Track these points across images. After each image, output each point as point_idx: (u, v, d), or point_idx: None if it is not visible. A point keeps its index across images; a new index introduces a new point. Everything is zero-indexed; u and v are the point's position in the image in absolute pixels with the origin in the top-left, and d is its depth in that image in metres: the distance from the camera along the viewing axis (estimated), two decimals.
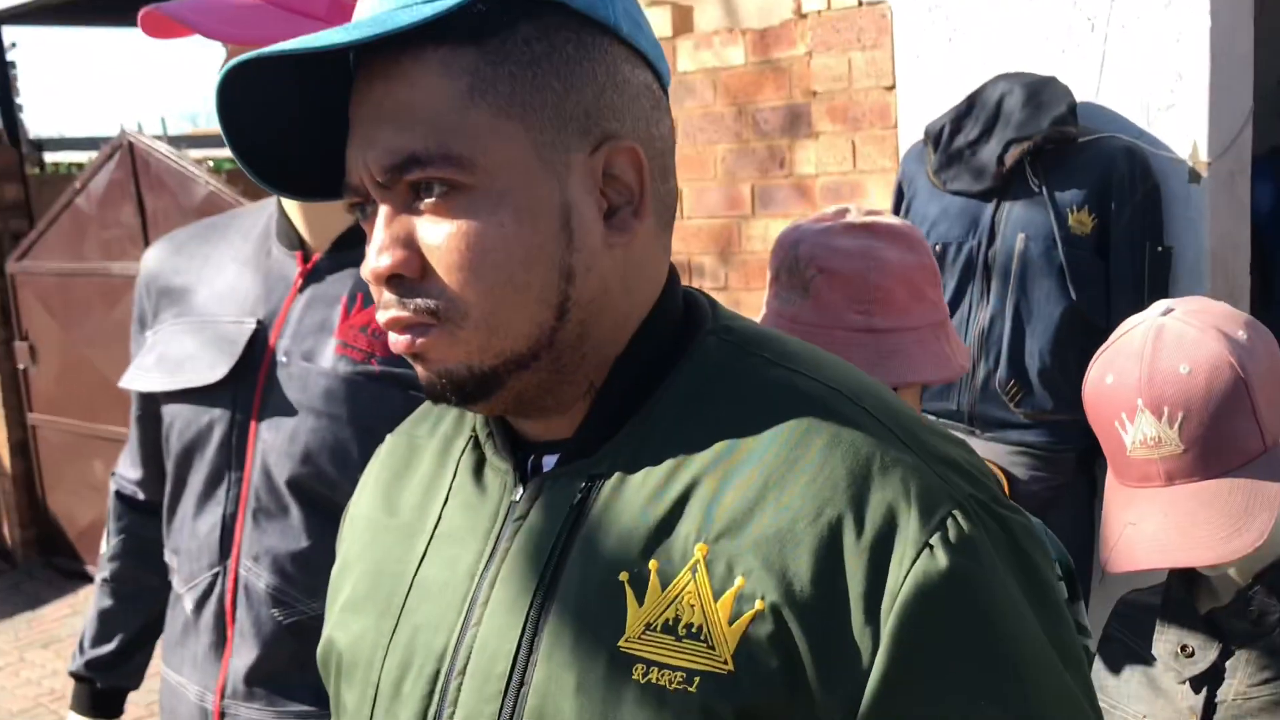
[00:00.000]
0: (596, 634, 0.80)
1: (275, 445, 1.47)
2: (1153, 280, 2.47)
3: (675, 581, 0.79)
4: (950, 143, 2.58)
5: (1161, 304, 1.35)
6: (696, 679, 0.77)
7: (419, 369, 0.86)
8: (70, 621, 6.24)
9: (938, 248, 2.58)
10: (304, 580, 1.46)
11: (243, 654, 1.50)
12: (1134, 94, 2.56)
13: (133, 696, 1.89)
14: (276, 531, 1.47)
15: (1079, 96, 2.59)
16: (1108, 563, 1.27)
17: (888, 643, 0.75)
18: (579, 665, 0.80)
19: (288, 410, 1.47)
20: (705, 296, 0.94)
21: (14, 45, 7.60)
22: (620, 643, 0.79)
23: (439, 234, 0.81)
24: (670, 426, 0.85)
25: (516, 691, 0.82)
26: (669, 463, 0.83)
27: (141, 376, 1.59)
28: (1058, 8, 2.64)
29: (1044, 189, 2.47)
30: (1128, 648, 1.38)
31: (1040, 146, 2.46)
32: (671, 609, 0.79)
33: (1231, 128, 2.51)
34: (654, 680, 0.78)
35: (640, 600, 0.80)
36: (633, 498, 0.83)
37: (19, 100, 7.81)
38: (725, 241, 3.33)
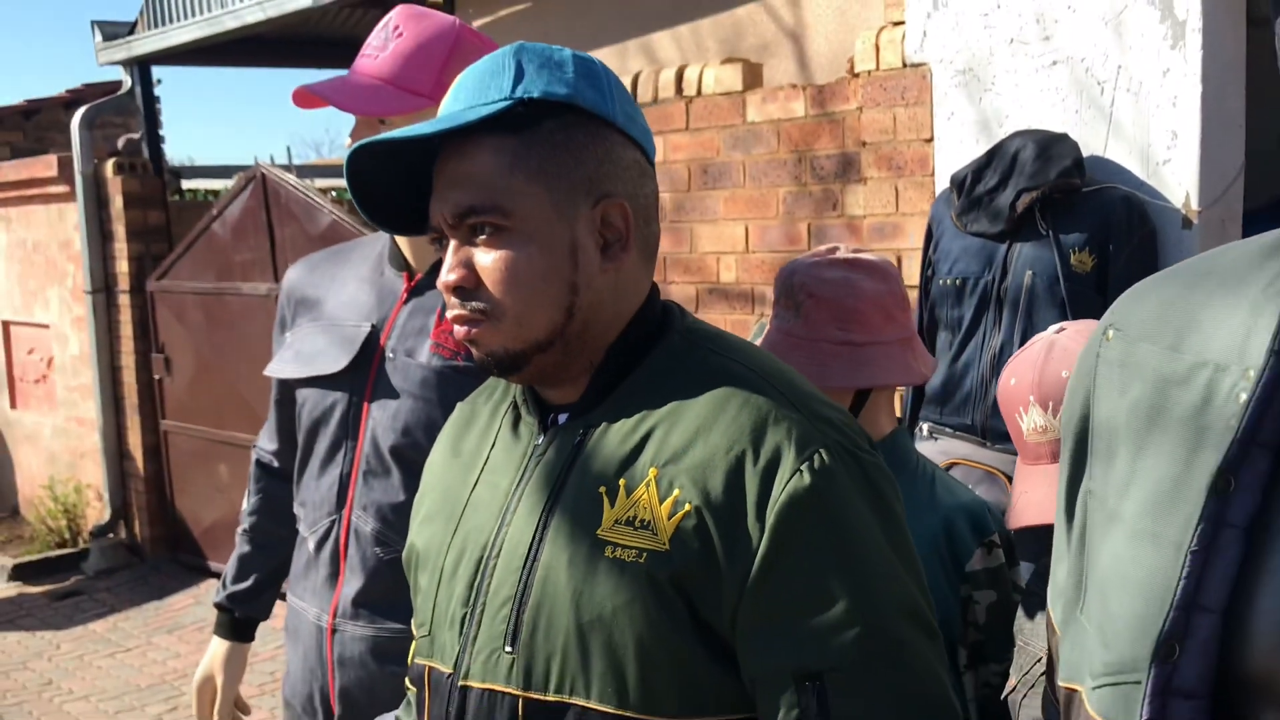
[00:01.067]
0: (583, 527, 1.20)
1: (382, 421, 1.91)
2: None
3: (635, 492, 1.19)
4: (972, 190, 2.94)
5: (1057, 325, 1.73)
6: (644, 554, 1.17)
7: (473, 351, 1.28)
8: (193, 610, 6.69)
9: (959, 281, 2.93)
10: (400, 525, 1.88)
11: (351, 583, 1.94)
12: (1136, 149, 2.90)
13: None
14: (381, 487, 1.90)
15: (1089, 151, 2.93)
16: (1006, 521, 1.64)
17: (768, 534, 1.14)
18: (571, 547, 1.20)
19: (393, 394, 1.91)
20: (677, 307, 1.34)
21: (159, 82, 8.12)
22: (598, 532, 1.19)
23: (487, 260, 1.23)
24: (641, 394, 1.25)
25: (531, 566, 1.22)
26: (637, 416, 1.23)
27: (282, 367, 2.04)
28: (1073, 73, 2.99)
29: (1050, 232, 2.81)
30: (1039, 597, 1.74)
31: (1048, 195, 2.81)
32: (632, 510, 1.19)
33: (1222, 181, 2.83)
34: (618, 556, 1.18)
35: (612, 505, 1.20)
36: (612, 440, 1.23)
37: (162, 132, 8.37)
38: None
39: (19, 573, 7.59)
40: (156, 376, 7.48)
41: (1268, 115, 3.24)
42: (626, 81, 4.23)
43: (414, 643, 1.39)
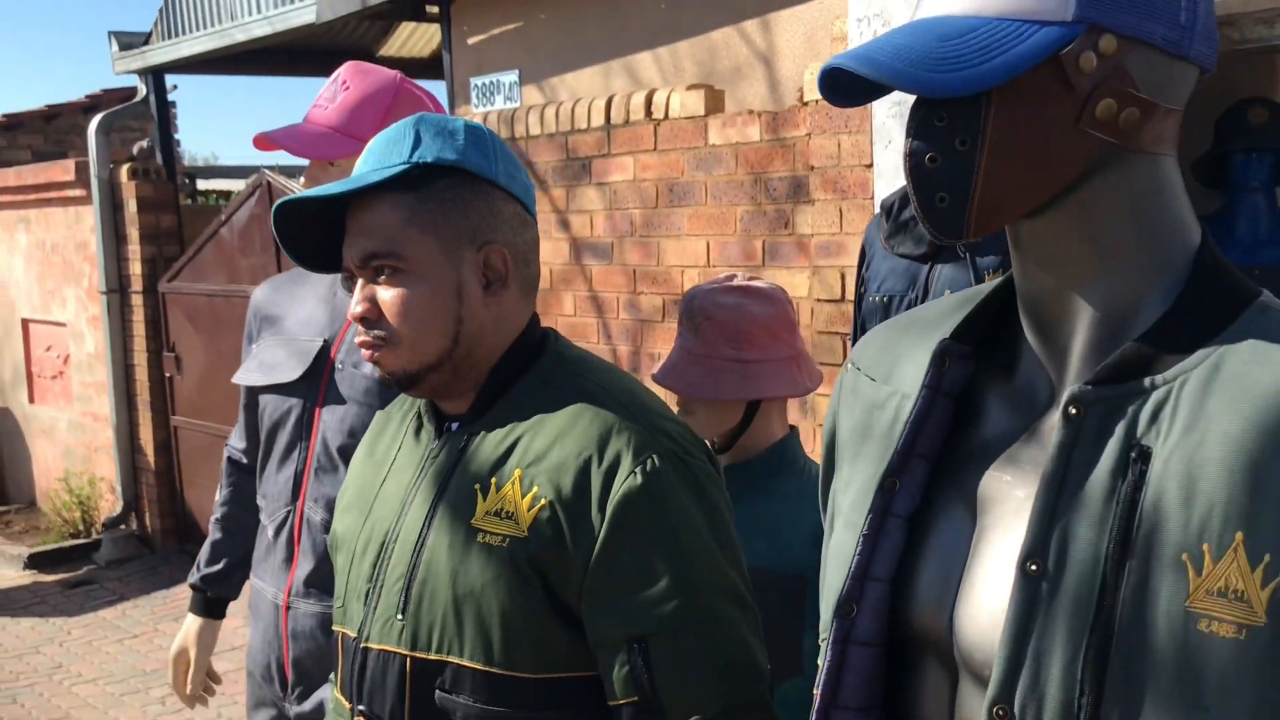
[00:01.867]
0: (461, 517, 1.46)
1: (331, 424, 2.18)
2: None
3: (503, 489, 1.45)
4: (898, 215, 3.18)
5: None
6: (508, 540, 1.43)
7: (378, 370, 1.54)
8: None
9: (886, 298, 3.18)
10: None
11: (304, 566, 2.21)
12: None
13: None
14: (330, 482, 2.17)
15: None
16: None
17: (606, 524, 1.40)
18: (450, 534, 1.47)
19: (340, 400, 2.17)
20: (554, 334, 1.60)
21: (174, 88, 8.39)
22: (472, 521, 1.45)
23: (387, 296, 1.49)
24: (514, 408, 1.51)
25: (419, 549, 1.48)
26: (509, 426, 1.50)
27: (247, 375, 2.31)
28: None
29: (967, 255, 3.06)
30: None
31: None
32: (499, 504, 1.45)
33: None
34: (487, 541, 1.44)
35: (484, 499, 1.46)
36: (488, 445, 1.50)
37: (177, 136, 8.65)
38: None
39: (34, 561, 7.86)
40: (167, 374, 7.72)
41: (1188, 146, 3.47)
42: (600, 104, 4.49)
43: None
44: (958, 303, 1.15)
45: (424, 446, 1.57)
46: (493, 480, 1.46)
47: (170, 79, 8.18)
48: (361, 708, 1.50)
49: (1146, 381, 0.95)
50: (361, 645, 1.52)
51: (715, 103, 4.08)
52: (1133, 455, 0.93)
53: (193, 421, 7.65)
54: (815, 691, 1.08)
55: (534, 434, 1.48)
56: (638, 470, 1.41)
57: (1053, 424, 0.99)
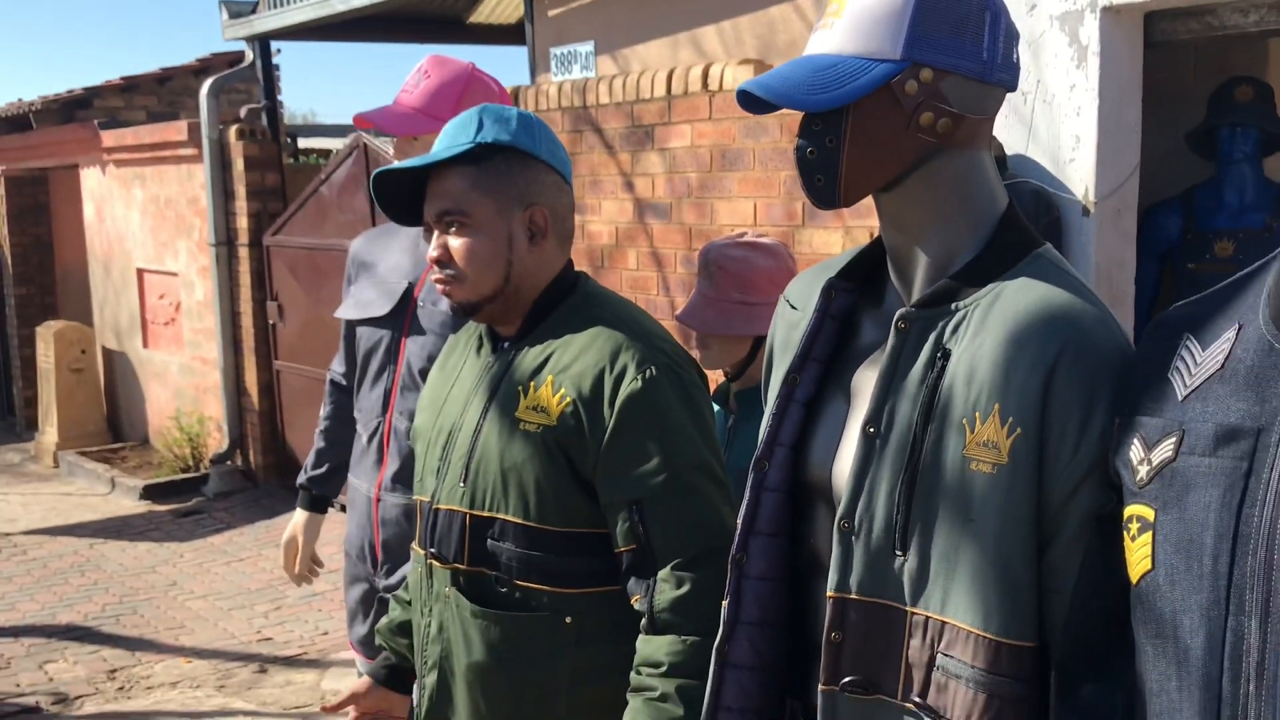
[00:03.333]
0: (508, 412, 1.95)
1: (414, 351, 2.67)
2: None
3: (539, 391, 1.93)
4: None
5: None
6: (541, 428, 1.90)
7: (449, 301, 2.02)
8: None
9: None
10: None
11: (392, 465, 2.71)
12: (1048, 151, 3.54)
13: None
14: (412, 398, 2.67)
15: (1012, 151, 3.58)
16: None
17: (614, 417, 1.87)
18: (499, 423, 1.95)
19: (421, 332, 2.67)
20: (584, 275, 2.07)
21: (279, 52, 8.93)
22: (515, 414, 1.93)
23: (455, 244, 1.97)
24: (550, 331, 1.99)
25: (477, 434, 1.97)
26: (546, 343, 1.97)
27: (345, 311, 2.83)
28: None
29: None
30: None
31: None
32: (536, 400, 1.93)
33: (1117, 178, 3.46)
34: (526, 429, 1.92)
35: (525, 397, 1.94)
36: (530, 358, 1.97)
37: (281, 97, 9.16)
38: (784, 244, 4.42)
39: (148, 493, 8.53)
40: (271, 321, 8.23)
41: (1170, 122, 3.84)
42: (662, 76, 4.93)
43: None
44: (852, 252, 1.60)
45: (483, 360, 2.06)
46: (531, 384, 1.95)
47: (275, 44, 8.70)
48: (433, 551, 2.00)
49: (953, 306, 1.40)
50: (434, 507, 2.02)
51: None
52: (938, 355, 1.38)
53: (293, 365, 8.15)
54: (737, 521, 1.54)
55: (563, 350, 1.95)
56: (639, 378, 1.89)
57: None
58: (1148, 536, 1.19)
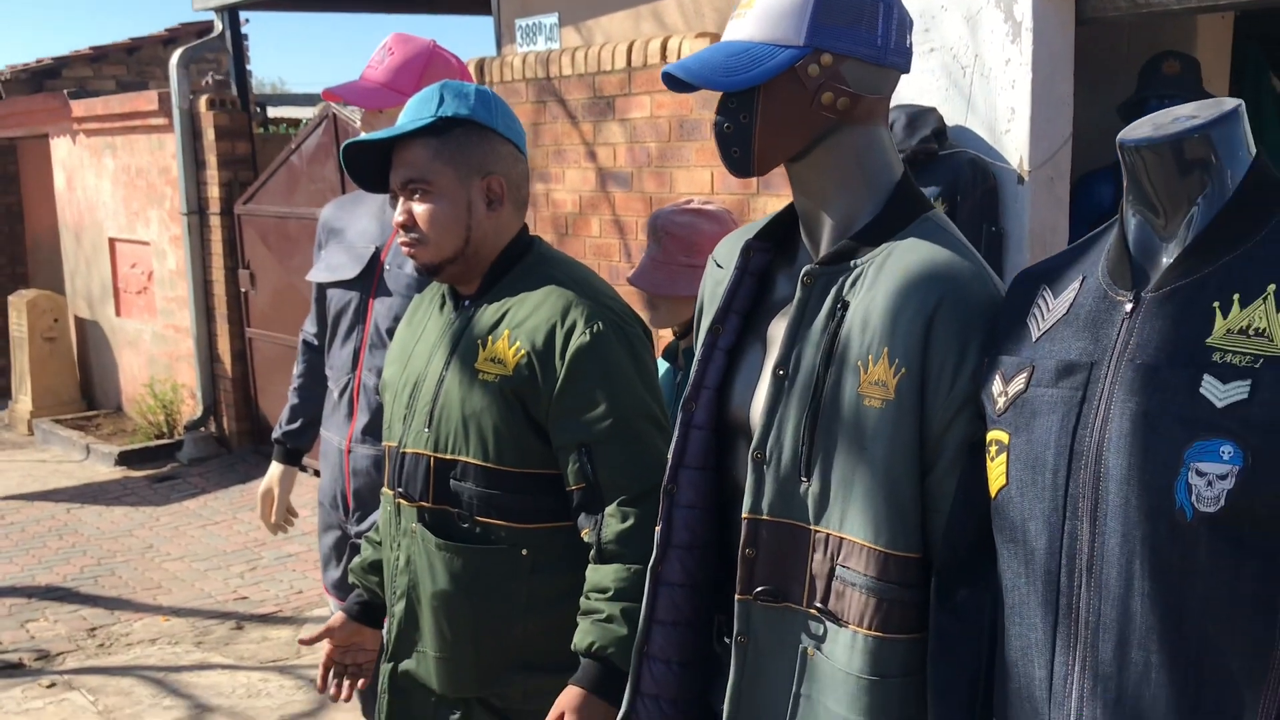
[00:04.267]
0: (468, 363, 2.13)
1: (381, 311, 2.85)
2: (988, 250, 3.65)
3: (497, 344, 2.11)
4: None
5: None
6: (498, 377, 2.09)
7: (413, 263, 2.20)
8: None
9: None
10: None
11: (361, 419, 2.90)
12: (985, 122, 3.73)
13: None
14: (380, 355, 2.85)
15: (952, 122, 3.77)
16: None
17: (564, 368, 2.05)
18: (461, 373, 2.14)
19: (388, 293, 2.85)
20: (538, 239, 2.26)
21: (247, 21, 9.00)
22: (475, 365, 2.12)
23: (419, 209, 2.15)
24: (507, 289, 2.17)
25: (440, 383, 2.15)
26: (503, 301, 2.15)
27: (316, 274, 3.00)
28: (943, 59, 3.82)
29: None
30: None
31: (911, 156, 3.66)
32: (493, 353, 2.11)
33: (1050, 148, 3.66)
34: (484, 378, 2.10)
35: (484, 349, 2.12)
36: (488, 314, 2.16)
37: (249, 67, 9.25)
38: (740, 211, 4.60)
39: (124, 459, 8.65)
40: (243, 289, 8.34)
41: (1106, 95, 4.04)
42: (623, 49, 5.09)
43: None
44: (771, 215, 1.79)
45: (446, 317, 2.24)
46: (490, 338, 2.13)
47: (243, 14, 8.79)
48: (401, 490, 2.19)
49: (852, 263, 1.59)
50: (401, 451, 2.20)
51: None
52: (838, 306, 1.57)
53: (265, 333, 8.28)
54: (668, 457, 1.74)
55: (519, 307, 2.14)
56: (587, 332, 2.08)
57: None
58: (1003, 457, 1.39)
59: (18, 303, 10.41)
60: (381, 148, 2.20)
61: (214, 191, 8.35)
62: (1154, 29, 4.32)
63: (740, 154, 1.62)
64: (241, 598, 6.08)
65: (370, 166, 2.24)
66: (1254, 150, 1.34)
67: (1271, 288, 1.24)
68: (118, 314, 9.92)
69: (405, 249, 2.19)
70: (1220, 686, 1.24)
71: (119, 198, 9.49)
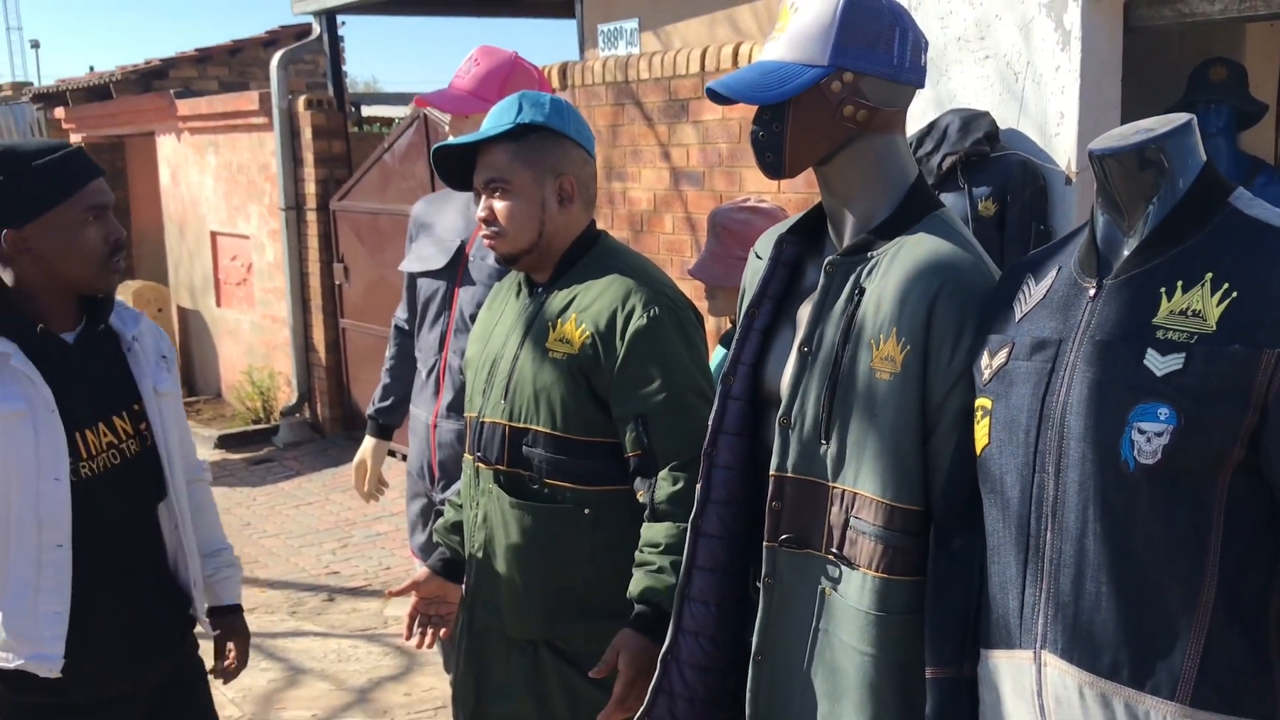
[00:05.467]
0: (540, 343, 2.40)
1: (465, 298, 3.13)
2: (1036, 248, 3.84)
3: (565, 326, 2.38)
4: (914, 152, 4.00)
5: None
6: (566, 356, 2.36)
7: (494, 255, 2.48)
8: None
9: None
10: None
11: (446, 396, 3.18)
12: (1036, 125, 3.92)
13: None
14: (464, 339, 3.12)
15: (1005, 125, 3.97)
16: None
17: (624, 348, 2.31)
18: (533, 353, 2.41)
19: (471, 282, 3.13)
20: (604, 233, 2.52)
21: (343, 24, 9.36)
22: (546, 344, 2.39)
23: (499, 206, 2.42)
24: (575, 278, 2.43)
25: (515, 362, 2.43)
26: (571, 288, 2.42)
27: (408, 264, 3.29)
28: (998, 66, 4.02)
29: (965, 185, 3.87)
30: None
31: (964, 158, 3.86)
32: (562, 334, 2.38)
33: None
34: (554, 357, 2.37)
35: (554, 331, 2.39)
36: (558, 300, 2.42)
37: (345, 68, 9.62)
38: (803, 209, 4.82)
39: (222, 442, 9.05)
40: (337, 282, 8.68)
41: (1159, 99, 4.20)
42: (697, 54, 5.34)
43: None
44: (803, 213, 2.03)
45: (521, 302, 2.51)
46: (559, 320, 2.40)
47: (339, 17, 9.15)
48: (479, 455, 2.47)
49: (869, 254, 1.83)
50: (480, 420, 2.48)
51: None
52: (856, 292, 1.81)
53: (358, 324, 8.59)
54: (708, 425, 1.99)
55: (585, 293, 2.40)
56: (645, 316, 2.33)
57: None
58: (987, 421, 1.63)
59: (124, 293, 10.88)
60: (467, 150, 2.48)
61: (310, 188, 8.69)
62: (1204, 36, 4.47)
63: (773, 159, 1.87)
64: (333, 572, 6.42)
65: (457, 167, 2.51)
66: (1204, 158, 1.56)
67: (1209, 276, 1.46)
68: (218, 304, 10.35)
69: (486, 241, 2.46)
70: (1159, 612, 1.46)
71: (220, 193, 9.91)
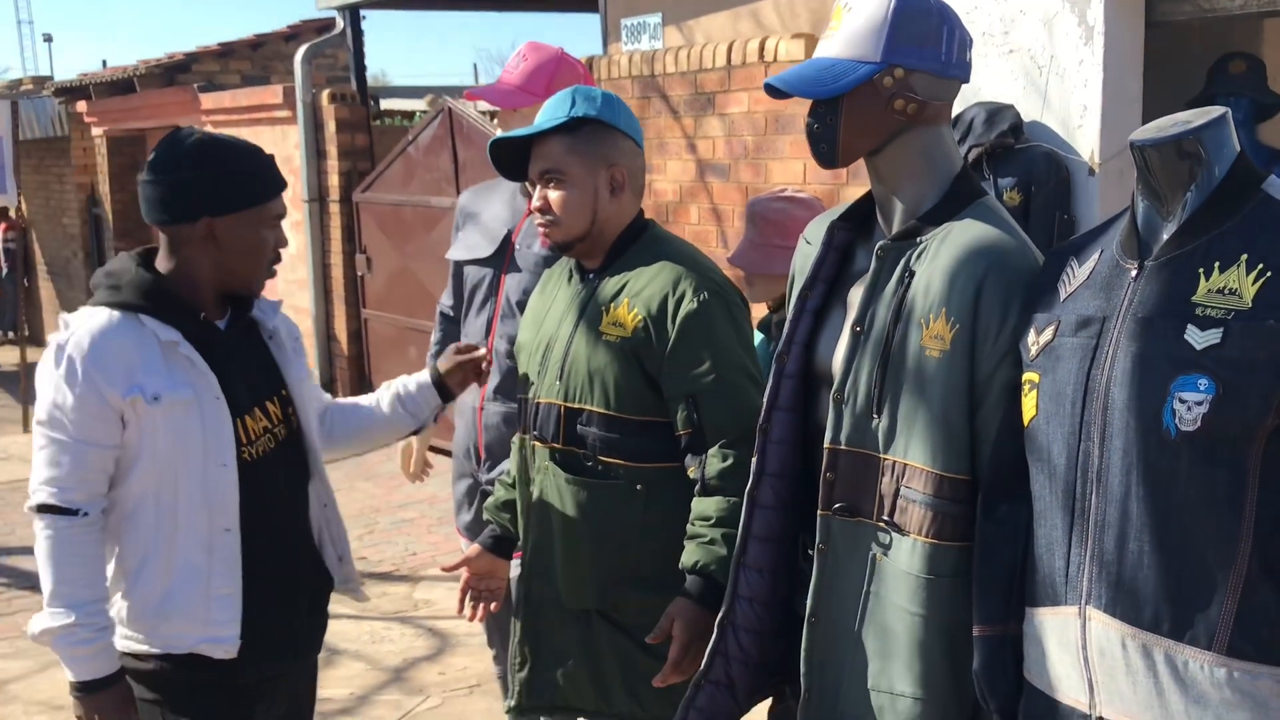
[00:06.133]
0: (593, 326, 2.51)
1: (512, 285, 3.25)
2: (1060, 236, 3.95)
3: (618, 310, 2.49)
4: None
5: None
6: (619, 339, 2.47)
7: (546, 241, 2.59)
8: (385, 465, 8.17)
9: None
10: None
11: (493, 380, 3.29)
12: (1060, 118, 4.03)
13: None
14: (510, 324, 3.24)
15: (1029, 118, 4.07)
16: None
17: (675, 330, 2.42)
18: (587, 335, 2.52)
19: (518, 269, 3.24)
20: (652, 222, 2.63)
21: (364, 18, 9.48)
22: (599, 328, 2.50)
23: (554, 196, 2.53)
24: (626, 264, 2.55)
25: (569, 344, 2.54)
26: (622, 274, 2.53)
27: (455, 252, 3.41)
28: (1022, 60, 4.12)
29: (990, 176, 3.97)
30: None
31: (989, 150, 3.97)
32: (615, 318, 2.49)
33: (1119, 143, 3.93)
34: (607, 339, 2.48)
35: (607, 314, 2.50)
36: (610, 285, 2.54)
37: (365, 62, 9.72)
38: (830, 199, 4.93)
39: None
40: (359, 273, 8.79)
41: (1180, 92, 4.30)
42: (723, 49, 5.45)
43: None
44: (853, 201, 2.15)
45: (574, 288, 2.63)
46: (612, 304, 2.51)
47: (362, 12, 9.27)
48: (535, 434, 2.58)
49: (917, 239, 1.94)
50: (535, 401, 2.60)
51: (813, 49, 5.02)
52: (906, 275, 1.93)
53: (380, 314, 8.71)
54: (762, 402, 2.10)
55: (636, 279, 2.52)
56: (695, 300, 2.45)
57: None
58: (1034, 394, 1.74)
59: None
60: (519, 142, 2.59)
61: (334, 180, 8.82)
62: (1224, 31, 4.57)
63: (827, 149, 1.98)
64: (361, 558, 6.52)
65: (510, 158, 2.63)
66: (1238, 148, 1.67)
67: (1244, 257, 1.58)
68: None
69: (540, 229, 2.58)
70: (1198, 569, 1.58)
71: None
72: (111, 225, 12.68)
